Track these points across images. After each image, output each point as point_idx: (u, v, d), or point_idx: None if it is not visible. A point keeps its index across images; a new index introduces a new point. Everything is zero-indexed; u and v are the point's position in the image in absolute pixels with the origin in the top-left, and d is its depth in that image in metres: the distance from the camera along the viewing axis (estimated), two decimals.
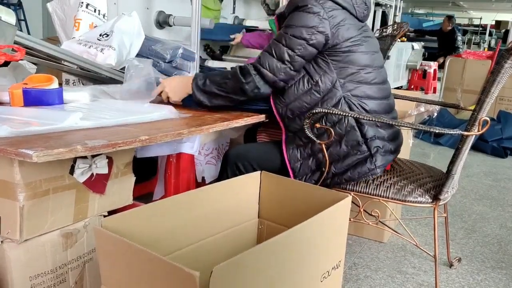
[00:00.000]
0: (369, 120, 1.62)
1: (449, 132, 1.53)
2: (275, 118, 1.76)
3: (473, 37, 15.44)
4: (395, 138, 1.78)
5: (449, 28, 9.03)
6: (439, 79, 7.82)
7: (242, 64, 1.67)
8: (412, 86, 8.53)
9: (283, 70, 1.62)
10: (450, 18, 9.22)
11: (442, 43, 9.17)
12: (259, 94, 1.66)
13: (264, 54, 1.64)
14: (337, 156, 1.67)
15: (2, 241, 1.22)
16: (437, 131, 1.55)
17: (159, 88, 1.77)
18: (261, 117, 1.74)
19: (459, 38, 9.49)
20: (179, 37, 3.32)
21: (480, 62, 5.80)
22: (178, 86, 1.75)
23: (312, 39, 1.60)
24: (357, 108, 1.67)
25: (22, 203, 1.18)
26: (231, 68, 1.72)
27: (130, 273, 1.01)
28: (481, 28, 16.08)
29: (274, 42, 1.64)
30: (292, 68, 1.63)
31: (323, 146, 1.64)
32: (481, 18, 17.02)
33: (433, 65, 8.61)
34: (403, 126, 1.61)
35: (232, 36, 3.44)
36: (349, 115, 1.58)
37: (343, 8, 1.65)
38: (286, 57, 1.61)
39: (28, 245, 1.24)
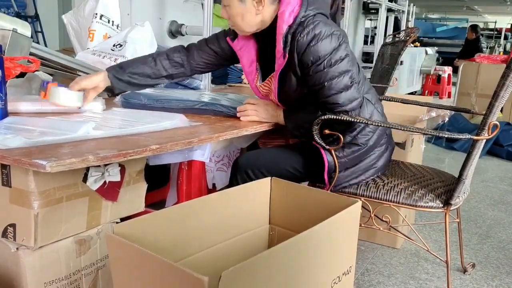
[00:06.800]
0: (381, 126, 1.62)
1: (458, 136, 1.53)
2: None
3: (489, 41, 15.35)
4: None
5: (474, 37, 9.14)
6: (454, 83, 7.76)
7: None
8: (426, 91, 8.49)
9: (356, 91, 1.60)
10: (473, 28, 9.41)
11: (466, 49, 9.21)
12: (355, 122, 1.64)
13: (336, 97, 1.58)
14: (350, 154, 1.72)
15: (17, 248, 1.25)
16: (446, 136, 1.55)
17: (251, 101, 1.79)
18: (271, 125, 1.76)
19: (483, 45, 9.65)
20: None
21: (494, 66, 5.75)
22: (269, 112, 1.76)
23: (347, 52, 1.59)
24: (379, 112, 1.74)
25: (36, 210, 1.21)
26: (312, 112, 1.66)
27: (141, 278, 1.03)
28: (496, 32, 15.97)
29: (330, 81, 1.57)
30: (357, 84, 1.62)
31: (333, 151, 1.65)
32: (495, 22, 16.89)
33: (447, 69, 8.56)
34: (413, 131, 1.62)
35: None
36: (360, 121, 1.59)
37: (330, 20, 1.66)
38: (349, 81, 1.58)
39: (42, 251, 1.26)
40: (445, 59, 10.39)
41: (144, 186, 1.56)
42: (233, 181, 1.77)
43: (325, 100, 1.60)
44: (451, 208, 1.69)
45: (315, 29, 1.54)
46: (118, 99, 1.83)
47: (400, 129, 1.63)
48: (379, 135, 1.75)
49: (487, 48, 12.03)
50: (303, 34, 1.55)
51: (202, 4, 2.62)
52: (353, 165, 1.73)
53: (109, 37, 2.36)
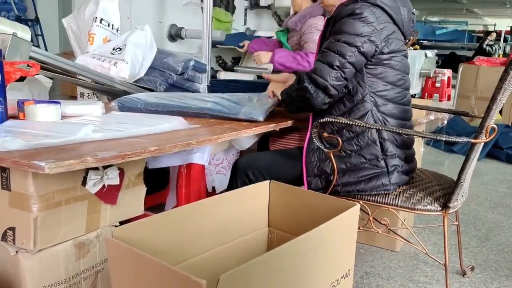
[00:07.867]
0: (375, 128, 1.63)
1: (456, 139, 1.54)
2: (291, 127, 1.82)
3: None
4: (411, 160, 1.81)
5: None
6: (453, 86, 7.76)
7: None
8: (426, 94, 8.50)
9: (334, 75, 1.63)
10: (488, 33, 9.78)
11: (479, 53, 9.38)
12: (316, 101, 1.66)
13: (316, 63, 1.67)
14: (353, 167, 1.69)
15: (16, 251, 1.25)
16: (444, 139, 1.55)
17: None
18: (270, 127, 1.76)
19: (495, 47, 10.41)
20: (191, 49, 3.37)
21: (493, 69, 5.76)
22: (280, 87, 1.89)
23: (364, 47, 1.62)
24: (380, 123, 1.69)
25: (35, 214, 1.21)
26: None
27: (140, 282, 1.03)
28: (495, 35, 15.99)
29: (325, 51, 1.66)
30: (342, 75, 1.63)
31: (331, 155, 1.66)
32: (495, 25, 16.91)
33: (447, 72, 8.57)
34: (411, 134, 1.62)
35: (241, 44, 3.42)
36: (355, 123, 1.59)
37: (394, 21, 1.68)
38: (337, 63, 1.62)
39: (41, 255, 1.27)
40: (444, 61, 10.40)
41: (143, 189, 1.56)
42: (233, 183, 1.79)
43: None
44: (450, 211, 1.69)
45: (365, 10, 1.62)
46: (114, 103, 1.83)
47: (399, 133, 1.63)
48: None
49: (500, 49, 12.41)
50: (347, 9, 1.65)
51: (202, 8, 2.62)
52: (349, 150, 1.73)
53: (109, 41, 2.37)
